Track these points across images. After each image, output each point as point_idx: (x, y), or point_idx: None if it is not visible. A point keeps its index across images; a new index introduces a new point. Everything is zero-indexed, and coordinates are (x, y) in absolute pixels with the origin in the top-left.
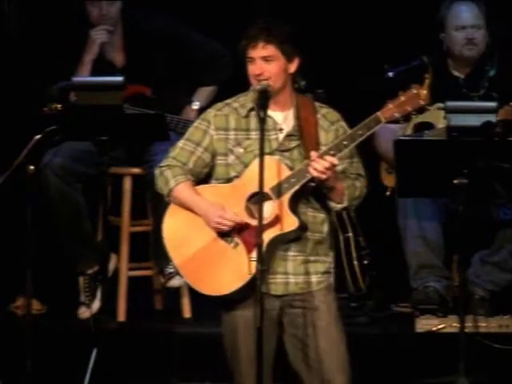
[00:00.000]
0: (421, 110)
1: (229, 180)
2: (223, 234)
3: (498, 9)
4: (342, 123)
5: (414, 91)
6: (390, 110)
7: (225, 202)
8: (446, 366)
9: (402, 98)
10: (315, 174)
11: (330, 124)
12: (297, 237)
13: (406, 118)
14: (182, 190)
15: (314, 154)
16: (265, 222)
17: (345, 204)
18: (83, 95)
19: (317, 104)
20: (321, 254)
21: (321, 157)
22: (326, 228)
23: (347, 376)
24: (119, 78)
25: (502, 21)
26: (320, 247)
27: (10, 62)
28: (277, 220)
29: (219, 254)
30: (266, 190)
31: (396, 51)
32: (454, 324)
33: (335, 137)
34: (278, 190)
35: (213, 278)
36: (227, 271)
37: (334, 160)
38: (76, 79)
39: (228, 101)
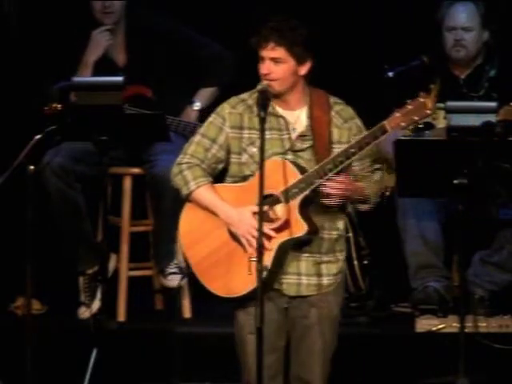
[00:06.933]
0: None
1: (244, 178)
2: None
3: (499, 9)
4: (357, 120)
5: (421, 100)
6: (397, 118)
7: (237, 204)
8: (446, 366)
9: (410, 107)
10: (333, 192)
11: (343, 121)
12: (307, 241)
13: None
14: (203, 192)
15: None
16: (274, 225)
17: (371, 203)
18: (83, 95)
19: (332, 100)
20: (337, 250)
21: (329, 179)
22: (341, 225)
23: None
24: (119, 78)
25: (502, 21)
26: (337, 244)
27: (10, 61)
28: (286, 225)
29: (232, 254)
30: (277, 192)
31: (396, 51)
32: (454, 324)
33: (349, 135)
34: (287, 195)
35: (225, 280)
36: (240, 273)
37: (345, 179)
38: (76, 79)
39: (243, 96)
